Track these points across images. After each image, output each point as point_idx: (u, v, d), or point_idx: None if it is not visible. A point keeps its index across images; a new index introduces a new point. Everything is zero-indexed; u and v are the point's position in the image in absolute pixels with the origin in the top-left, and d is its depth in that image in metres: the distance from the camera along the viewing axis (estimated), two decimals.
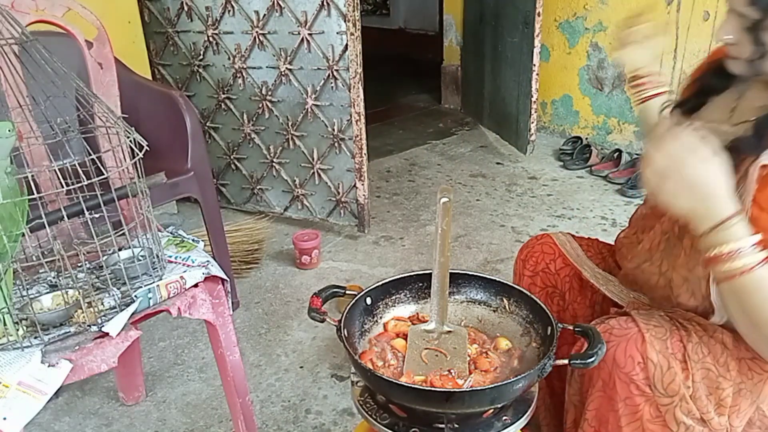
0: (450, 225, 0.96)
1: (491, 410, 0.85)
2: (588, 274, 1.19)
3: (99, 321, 1.01)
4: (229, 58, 2.58)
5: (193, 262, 1.20)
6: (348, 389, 1.69)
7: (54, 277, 1.15)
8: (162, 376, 1.78)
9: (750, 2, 0.83)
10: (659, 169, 0.79)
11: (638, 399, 0.90)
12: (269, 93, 2.55)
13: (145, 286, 1.08)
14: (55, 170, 1.04)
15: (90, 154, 1.02)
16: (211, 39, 2.58)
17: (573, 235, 1.29)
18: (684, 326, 0.94)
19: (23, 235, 0.97)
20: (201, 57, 2.64)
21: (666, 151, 0.79)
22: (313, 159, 2.57)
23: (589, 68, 3.51)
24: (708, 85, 1.03)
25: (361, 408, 0.89)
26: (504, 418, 0.86)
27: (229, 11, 2.49)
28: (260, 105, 2.59)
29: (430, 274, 0.98)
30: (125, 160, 1.06)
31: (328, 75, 2.38)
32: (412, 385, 0.81)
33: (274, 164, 2.68)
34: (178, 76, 2.75)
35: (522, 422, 0.87)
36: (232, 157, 2.78)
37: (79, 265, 1.13)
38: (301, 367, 1.81)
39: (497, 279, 1.05)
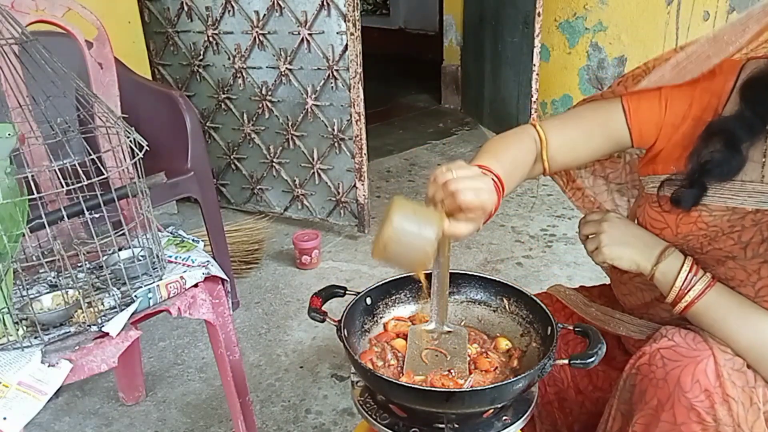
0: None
1: (491, 410, 0.85)
2: (600, 320, 1.09)
3: (99, 321, 1.01)
4: (229, 58, 2.58)
5: (193, 262, 1.20)
6: (348, 389, 1.69)
7: (54, 277, 1.15)
8: (162, 376, 1.78)
9: None
10: (601, 239, 0.94)
11: (695, 426, 0.83)
12: (269, 93, 2.55)
13: (145, 286, 1.08)
14: (55, 170, 1.04)
15: (90, 154, 1.02)
16: (211, 39, 2.58)
17: (561, 286, 1.20)
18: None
19: (23, 235, 0.97)
20: (201, 57, 2.64)
21: (599, 227, 0.95)
22: (313, 159, 2.57)
23: (589, 68, 3.51)
24: (715, 165, 0.87)
25: (361, 408, 0.89)
26: (504, 418, 0.86)
27: (229, 11, 2.49)
28: (260, 105, 2.59)
29: (430, 274, 0.98)
30: (125, 160, 1.06)
31: (328, 75, 2.38)
32: (412, 385, 0.81)
33: (274, 164, 2.68)
34: (178, 76, 2.75)
35: (522, 422, 0.87)
36: (232, 157, 2.78)
37: (79, 265, 1.13)
38: (301, 367, 1.81)
39: (497, 279, 1.05)
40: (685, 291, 0.90)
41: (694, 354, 0.84)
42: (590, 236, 0.97)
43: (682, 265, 0.91)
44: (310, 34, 2.36)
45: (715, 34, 0.86)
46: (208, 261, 1.21)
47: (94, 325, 1.00)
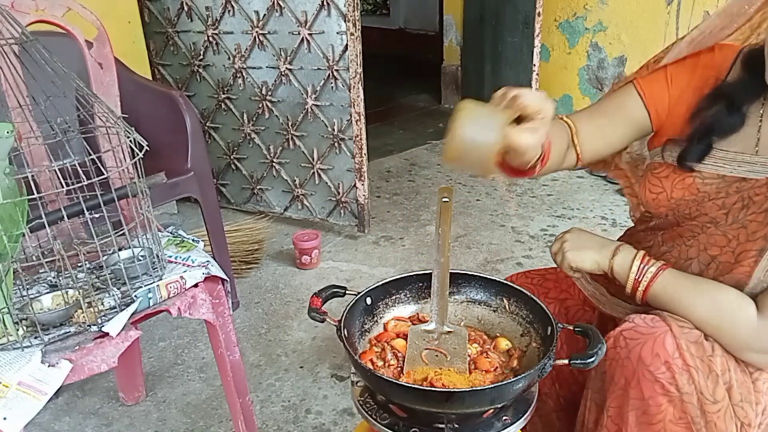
0: (450, 225, 0.96)
1: (491, 410, 0.85)
2: (590, 294, 1.14)
3: (99, 321, 1.01)
4: (229, 58, 2.58)
5: (193, 262, 1.20)
6: (348, 389, 1.69)
7: (54, 277, 1.15)
8: (162, 376, 1.78)
9: None
10: (564, 248, 1.03)
11: (661, 399, 0.88)
12: (269, 93, 2.55)
13: (145, 286, 1.08)
14: (55, 170, 1.04)
15: (90, 154, 1.02)
16: (211, 39, 2.58)
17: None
18: (707, 338, 0.92)
19: (23, 235, 0.97)
20: (201, 57, 2.64)
21: (562, 239, 1.05)
22: (313, 159, 2.57)
23: (589, 68, 3.51)
24: (717, 122, 0.94)
25: (361, 408, 0.89)
26: (504, 418, 0.86)
27: (229, 11, 2.49)
28: (260, 105, 2.59)
29: (430, 274, 0.98)
30: (125, 160, 1.06)
31: (328, 75, 2.38)
32: (412, 385, 0.81)
33: (274, 164, 2.68)
34: (178, 76, 2.75)
35: (522, 422, 0.87)
36: (232, 157, 2.78)
37: (79, 265, 1.13)
38: (301, 367, 1.81)
39: (497, 279, 1.05)
40: (639, 279, 0.96)
41: (653, 331, 0.89)
42: (558, 252, 1.06)
43: (635, 257, 0.98)
44: (310, 34, 2.36)
45: (724, 8, 0.95)
46: (208, 261, 1.21)
47: (94, 325, 1.00)
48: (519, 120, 0.78)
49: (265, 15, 2.42)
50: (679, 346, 0.87)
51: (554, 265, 1.25)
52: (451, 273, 0.98)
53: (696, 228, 0.98)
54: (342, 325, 0.91)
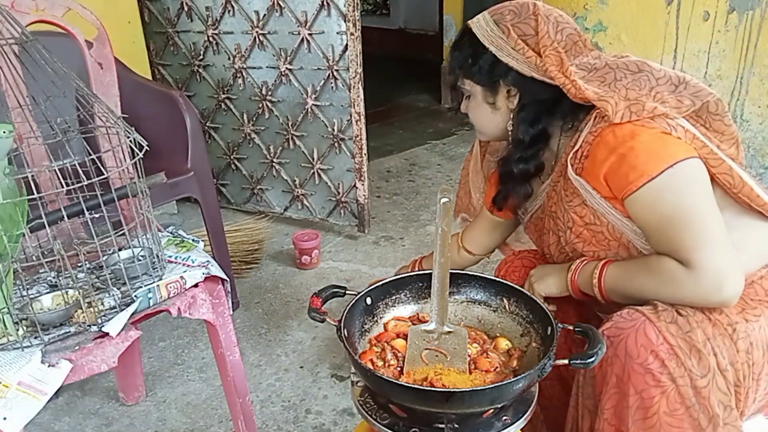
0: (450, 225, 0.96)
1: (491, 410, 0.85)
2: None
3: (99, 321, 1.01)
4: (229, 58, 2.58)
5: (193, 262, 1.20)
6: (348, 389, 1.69)
7: (54, 277, 1.15)
8: (162, 376, 1.78)
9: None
10: (531, 280, 1.15)
11: (654, 391, 0.89)
12: (269, 93, 2.55)
13: (145, 286, 1.08)
14: (55, 170, 1.04)
15: (90, 154, 1.02)
16: (211, 39, 2.58)
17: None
18: (680, 313, 0.94)
19: (23, 235, 0.97)
20: (201, 57, 2.64)
21: (529, 275, 1.17)
22: (313, 159, 2.57)
23: None
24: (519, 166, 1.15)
25: (361, 408, 0.89)
26: (504, 418, 0.86)
27: (229, 11, 2.49)
28: (260, 105, 2.59)
29: (430, 274, 0.98)
30: (125, 160, 1.06)
31: (328, 75, 2.38)
32: (412, 385, 0.81)
33: (274, 164, 2.68)
34: (178, 76, 2.75)
35: (522, 422, 0.87)
36: (232, 157, 2.78)
37: (79, 265, 1.13)
38: (301, 367, 1.81)
39: (497, 279, 1.05)
40: (598, 281, 1.02)
41: (632, 324, 0.92)
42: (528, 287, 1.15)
43: (595, 267, 1.04)
44: (310, 34, 2.36)
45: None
46: (208, 261, 1.21)
47: (94, 325, 1.00)
48: None
49: (265, 15, 2.42)
50: (660, 330, 0.89)
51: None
52: (451, 273, 0.98)
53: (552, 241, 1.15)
54: (342, 325, 0.91)
